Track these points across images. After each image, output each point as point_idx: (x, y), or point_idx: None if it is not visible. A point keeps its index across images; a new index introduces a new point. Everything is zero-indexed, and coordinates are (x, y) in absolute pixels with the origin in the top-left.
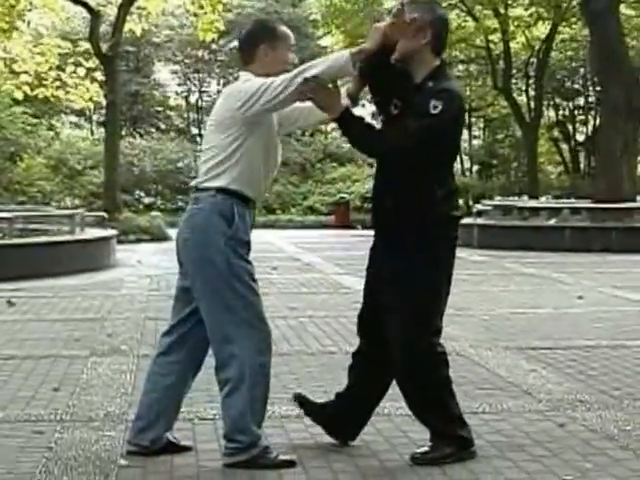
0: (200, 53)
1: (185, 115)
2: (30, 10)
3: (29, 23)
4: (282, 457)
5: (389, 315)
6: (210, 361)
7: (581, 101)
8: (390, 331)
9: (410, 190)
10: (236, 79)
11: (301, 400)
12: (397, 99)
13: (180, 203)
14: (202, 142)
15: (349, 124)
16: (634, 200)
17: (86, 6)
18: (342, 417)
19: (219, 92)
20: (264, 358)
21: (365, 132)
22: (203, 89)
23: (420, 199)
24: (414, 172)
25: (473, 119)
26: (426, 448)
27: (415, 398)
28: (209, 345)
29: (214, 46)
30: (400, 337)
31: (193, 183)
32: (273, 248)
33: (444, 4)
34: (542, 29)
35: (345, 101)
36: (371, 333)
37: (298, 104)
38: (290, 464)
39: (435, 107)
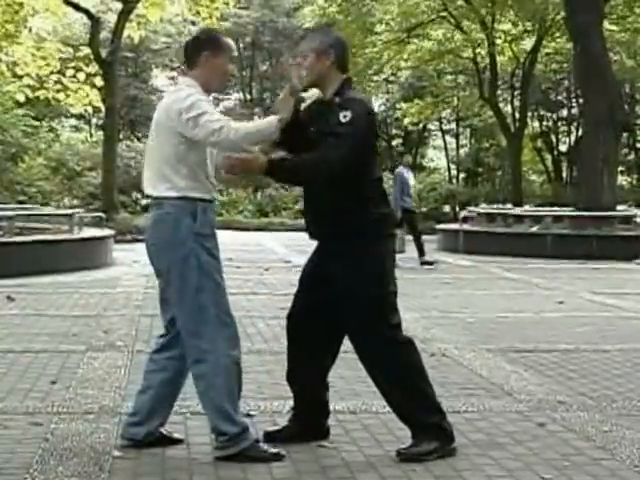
0: None
1: None
2: (33, 15)
3: (30, 29)
4: (271, 450)
5: (344, 317)
6: None
7: (564, 113)
8: (352, 339)
9: (341, 197)
10: (238, 84)
11: (271, 436)
12: (312, 127)
13: None
14: (146, 152)
15: (279, 174)
16: (614, 209)
17: (87, 13)
18: (308, 422)
19: (214, 98)
20: (235, 352)
21: (299, 169)
22: None
23: (351, 204)
24: (342, 180)
25: (460, 128)
26: (409, 444)
27: (392, 390)
28: None
29: None
30: (355, 336)
31: (153, 193)
32: (265, 250)
33: (433, 16)
34: (528, 43)
35: (262, 157)
36: (300, 335)
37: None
38: (279, 457)
39: (345, 117)
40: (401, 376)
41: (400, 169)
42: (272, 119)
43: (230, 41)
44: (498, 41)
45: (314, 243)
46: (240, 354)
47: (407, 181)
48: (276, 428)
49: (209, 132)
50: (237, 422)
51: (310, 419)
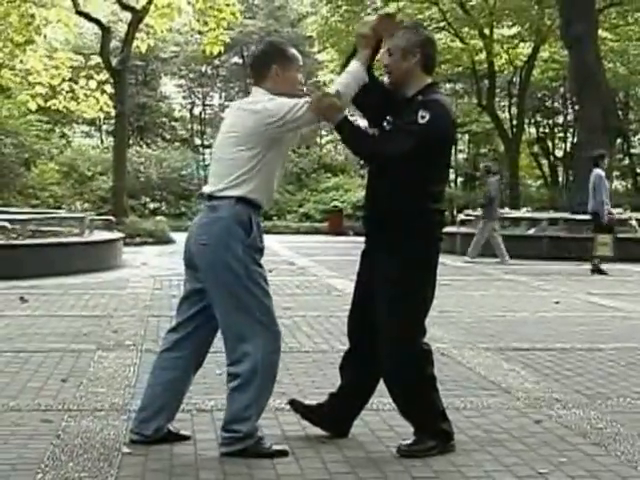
0: (204, 68)
1: (189, 126)
2: (45, 25)
3: (45, 36)
4: (275, 447)
5: (379, 316)
6: (208, 357)
7: (560, 119)
8: (380, 331)
9: (401, 197)
10: (243, 92)
11: (296, 405)
12: (389, 116)
13: (183, 209)
14: (216, 150)
15: (347, 130)
16: None
17: (98, 23)
18: (336, 415)
19: (221, 105)
20: (276, 357)
21: (362, 139)
22: (206, 102)
23: (410, 206)
24: (405, 179)
25: (459, 134)
26: (410, 441)
27: (401, 395)
28: (211, 343)
29: (217, 62)
30: (389, 337)
31: (207, 191)
32: (270, 252)
33: (433, 26)
34: (524, 50)
35: (345, 112)
36: (359, 335)
37: None
38: (282, 454)
39: (423, 117)
40: (414, 386)
41: (599, 172)
42: (355, 62)
43: (295, 51)
44: (496, 49)
45: (315, 246)
46: (279, 360)
47: (606, 184)
48: (306, 403)
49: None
50: (252, 424)
51: (339, 416)
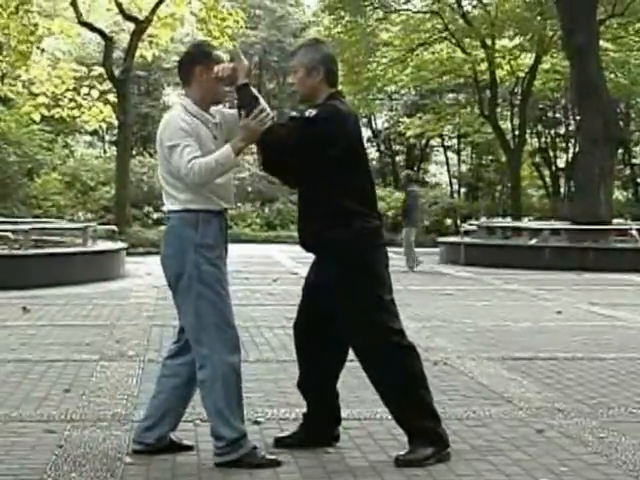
0: None
1: None
2: (48, 36)
3: (43, 50)
4: (269, 457)
5: (343, 327)
6: None
7: (562, 130)
8: (350, 341)
9: (322, 208)
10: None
11: (281, 441)
12: None
13: None
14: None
15: (246, 98)
16: (610, 222)
17: (101, 33)
18: (318, 428)
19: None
20: (233, 358)
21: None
22: None
23: (332, 216)
24: (321, 190)
25: (462, 144)
26: (406, 450)
27: (391, 394)
28: None
29: None
30: (358, 345)
31: (164, 208)
32: (273, 262)
33: (435, 37)
34: (526, 61)
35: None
36: (306, 342)
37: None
38: (276, 463)
39: (310, 113)
40: (401, 381)
41: None
42: (227, 148)
43: (221, 53)
44: (498, 60)
45: None
46: (240, 361)
47: None
48: (286, 434)
49: (178, 165)
50: (235, 427)
51: (319, 425)
